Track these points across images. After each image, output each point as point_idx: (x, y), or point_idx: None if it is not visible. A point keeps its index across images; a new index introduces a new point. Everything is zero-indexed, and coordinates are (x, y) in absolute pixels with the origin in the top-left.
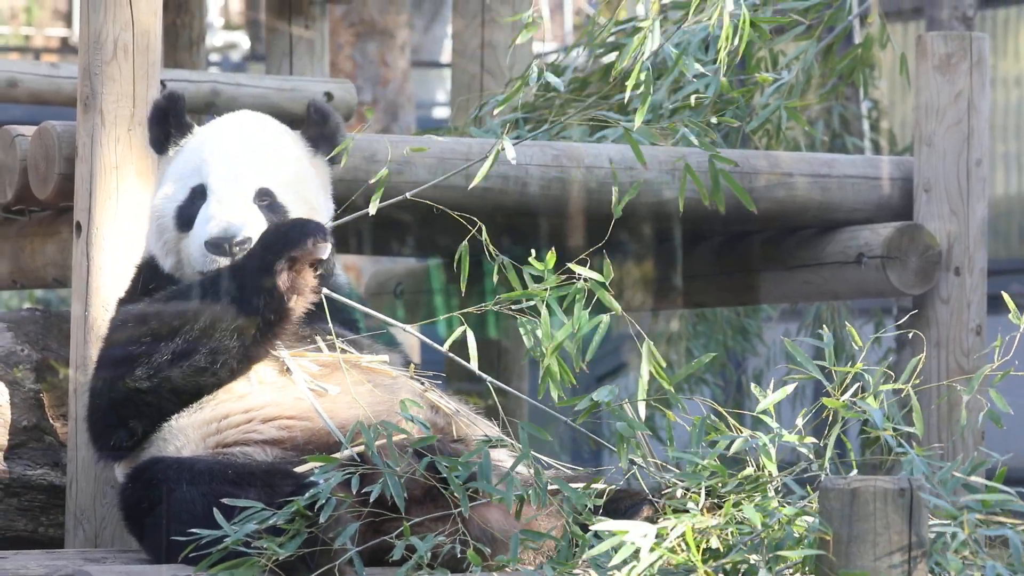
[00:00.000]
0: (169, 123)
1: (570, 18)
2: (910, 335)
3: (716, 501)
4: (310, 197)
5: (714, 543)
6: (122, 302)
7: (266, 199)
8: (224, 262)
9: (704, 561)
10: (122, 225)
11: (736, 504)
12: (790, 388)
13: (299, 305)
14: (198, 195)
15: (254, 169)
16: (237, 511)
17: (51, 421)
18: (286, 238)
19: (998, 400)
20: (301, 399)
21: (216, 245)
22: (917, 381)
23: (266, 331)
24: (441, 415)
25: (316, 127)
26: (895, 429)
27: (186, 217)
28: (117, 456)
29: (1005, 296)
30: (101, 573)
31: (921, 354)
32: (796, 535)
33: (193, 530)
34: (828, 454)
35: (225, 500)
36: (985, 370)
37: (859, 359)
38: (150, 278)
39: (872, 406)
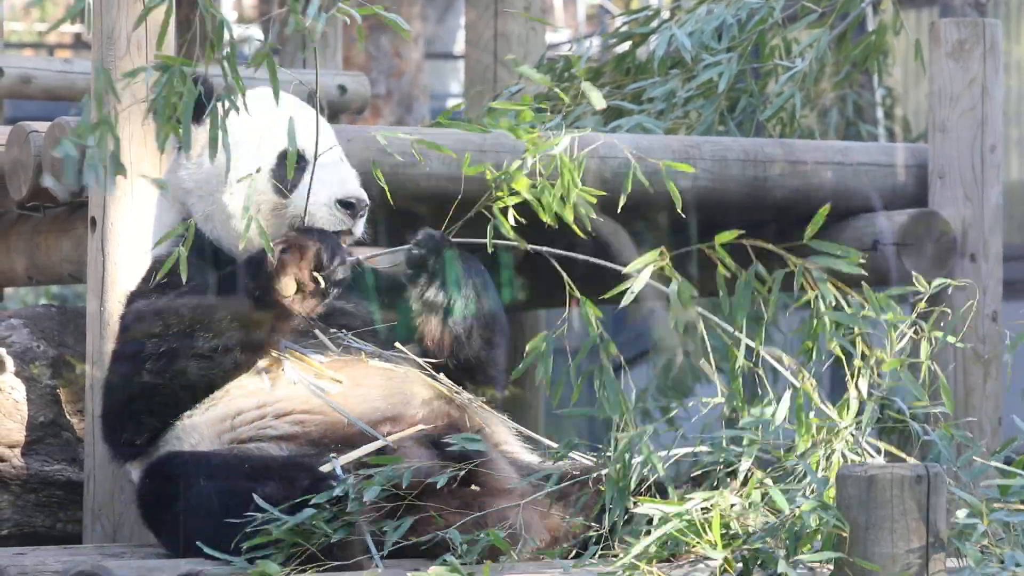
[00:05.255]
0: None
1: (583, 7)
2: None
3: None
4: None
5: (733, 525)
6: (133, 296)
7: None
8: (349, 223)
9: (725, 546)
10: (137, 220)
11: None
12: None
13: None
14: (288, 159)
15: (331, 134)
16: (254, 504)
17: (68, 417)
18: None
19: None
20: (314, 394)
21: (348, 205)
22: (932, 363)
23: (276, 327)
24: (454, 407)
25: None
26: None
27: (286, 181)
28: (131, 454)
29: None
30: (119, 569)
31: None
32: (813, 525)
33: (244, 515)
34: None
35: (243, 492)
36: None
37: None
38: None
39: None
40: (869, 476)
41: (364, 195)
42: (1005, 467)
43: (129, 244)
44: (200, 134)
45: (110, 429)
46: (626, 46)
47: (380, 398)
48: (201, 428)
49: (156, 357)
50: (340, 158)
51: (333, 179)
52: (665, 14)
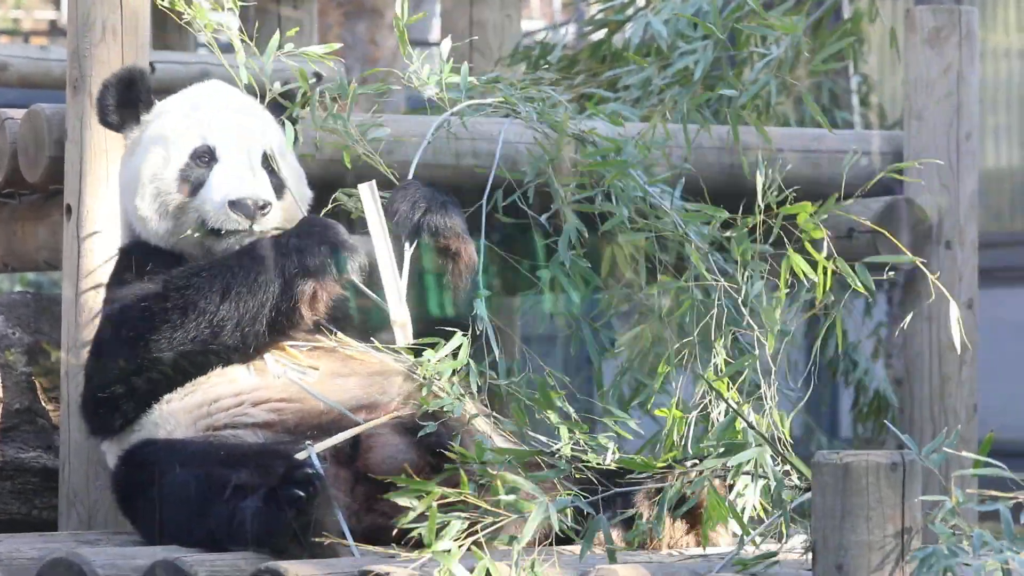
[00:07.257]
0: (138, 97)
1: None
2: (901, 309)
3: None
4: (293, 162)
5: None
6: (111, 286)
7: (267, 165)
8: (245, 223)
9: None
10: (112, 207)
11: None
12: None
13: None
14: (201, 157)
15: (255, 133)
16: (229, 490)
17: (43, 404)
18: (321, 258)
19: None
20: (292, 382)
21: (243, 205)
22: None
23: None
24: (431, 395)
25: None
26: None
27: (192, 179)
28: (112, 431)
29: None
30: (94, 556)
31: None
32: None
33: (218, 502)
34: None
35: (218, 479)
36: None
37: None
38: (144, 259)
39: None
40: (845, 463)
41: (262, 195)
42: (975, 457)
43: (105, 231)
44: (134, 134)
45: (94, 405)
46: (602, 34)
47: (357, 387)
48: (178, 415)
49: (165, 334)
50: (267, 154)
51: (230, 179)
52: (641, 2)
